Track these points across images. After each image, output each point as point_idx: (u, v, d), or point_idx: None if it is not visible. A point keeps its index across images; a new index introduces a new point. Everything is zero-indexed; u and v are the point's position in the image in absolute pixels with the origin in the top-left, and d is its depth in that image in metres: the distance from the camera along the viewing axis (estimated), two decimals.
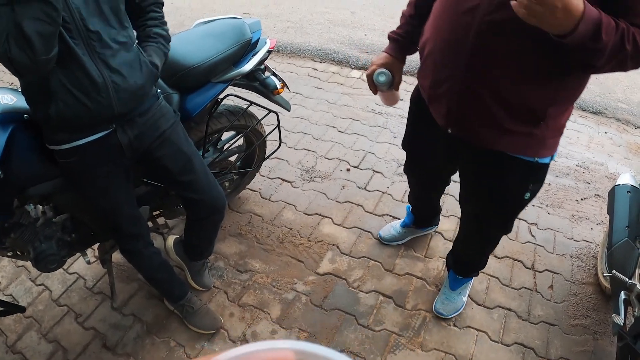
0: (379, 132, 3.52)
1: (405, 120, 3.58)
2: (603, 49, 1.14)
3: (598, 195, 3.05)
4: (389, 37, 1.82)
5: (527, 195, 1.63)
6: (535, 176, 1.61)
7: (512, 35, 1.27)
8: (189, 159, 1.84)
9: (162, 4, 1.76)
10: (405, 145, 2.08)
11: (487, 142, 1.51)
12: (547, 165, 1.59)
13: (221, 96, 2.28)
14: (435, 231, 2.71)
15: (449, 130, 1.58)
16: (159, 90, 1.83)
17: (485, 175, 1.66)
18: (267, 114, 2.54)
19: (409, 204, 2.54)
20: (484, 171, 1.66)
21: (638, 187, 2.35)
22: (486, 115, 1.43)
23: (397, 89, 1.85)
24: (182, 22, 5.83)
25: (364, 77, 4.40)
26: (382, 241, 2.63)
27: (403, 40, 1.78)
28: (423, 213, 2.53)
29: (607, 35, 1.12)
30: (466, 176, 1.81)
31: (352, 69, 4.54)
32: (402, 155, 3.32)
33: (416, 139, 1.99)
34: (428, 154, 1.95)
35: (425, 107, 1.68)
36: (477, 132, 1.51)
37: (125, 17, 1.55)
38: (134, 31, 1.65)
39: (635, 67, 1.25)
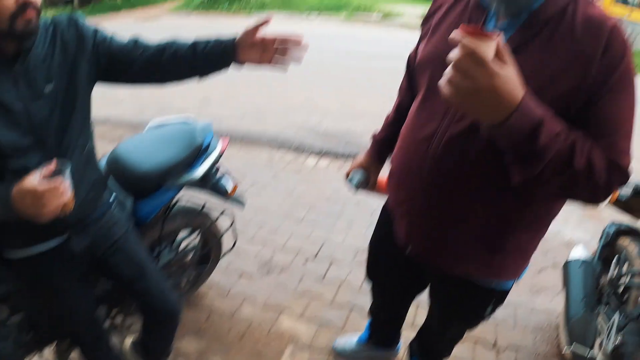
0: (335, 220, 3.58)
1: (361, 208, 3.71)
2: (541, 156, 1.01)
3: (556, 264, 3.13)
4: (371, 138, 1.84)
5: (489, 310, 1.60)
6: (496, 300, 1.56)
7: (467, 164, 1.24)
8: (142, 268, 1.83)
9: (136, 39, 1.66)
10: (371, 251, 1.98)
11: (444, 267, 1.47)
12: (509, 289, 1.53)
13: (175, 198, 2.30)
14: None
15: (407, 251, 1.55)
16: (113, 194, 1.84)
17: (446, 296, 1.64)
18: (221, 213, 2.57)
19: (370, 317, 2.38)
20: (444, 292, 1.64)
21: (589, 259, 2.45)
22: (443, 241, 1.39)
23: (372, 189, 1.87)
24: (143, 108, 5.94)
25: (320, 164, 4.52)
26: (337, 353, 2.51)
27: (381, 144, 1.80)
28: (385, 328, 2.36)
29: (548, 138, 0.99)
30: (430, 290, 1.78)
31: (309, 156, 4.66)
32: (360, 242, 3.41)
33: (380, 250, 1.93)
34: (392, 270, 1.87)
35: (391, 220, 1.66)
36: (434, 257, 1.46)
37: (89, 116, 1.57)
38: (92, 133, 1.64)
39: (593, 200, 1.12)
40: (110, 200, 1.78)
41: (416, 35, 1.52)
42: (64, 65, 1.45)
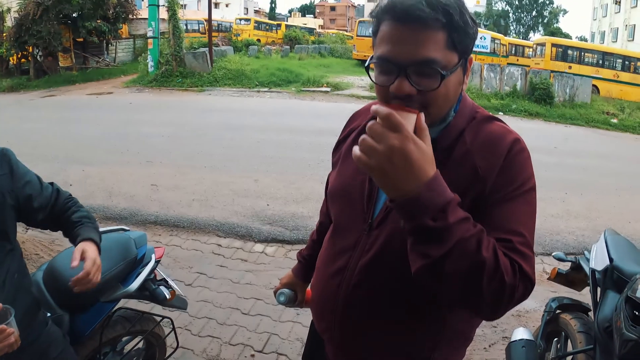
0: (282, 311, 3.61)
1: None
2: (446, 237, 0.95)
3: (506, 337, 3.19)
4: (297, 257, 1.85)
5: None
6: None
7: (379, 292, 1.25)
8: None
9: (73, 198, 1.88)
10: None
11: None
12: None
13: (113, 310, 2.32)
14: None
15: None
16: (48, 314, 1.84)
17: None
18: (161, 320, 2.59)
19: None
20: None
21: (531, 338, 2.50)
22: None
23: (301, 305, 1.88)
24: (92, 193, 5.90)
25: (267, 250, 4.59)
26: None
27: (306, 263, 1.79)
28: None
29: (456, 221, 0.95)
30: None
31: (256, 242, 4.73)
32: (306, 333, 3.42)
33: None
34: None
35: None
36: None
37: (13, 235, 1.62)
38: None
39: (496, 305, 1.03)
40: (45, 319, 1.80)
41: (362, 105, 1.53)
42: None
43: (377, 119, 0.93)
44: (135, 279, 2.28)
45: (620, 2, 43.89)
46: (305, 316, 3.52)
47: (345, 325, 1.35)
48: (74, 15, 20.81)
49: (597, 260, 2.44)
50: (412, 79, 1.06)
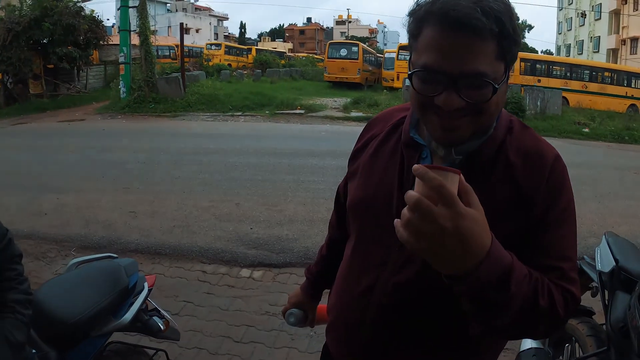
0: (276, 337, 3.51)
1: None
2: (508, 305, 0.93)
3: (507, 349, 3.15)
4: (305, 274, 1.73)
5: None
6: None
7: (417, 315, 1.16)
8: None
9: (21, 256, 1.72)
10: None
11: None
12: None
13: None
14: None
15: None
16: (33, 351, 1.74)
17: None
18: (155, 353, 2.48)
19: None
20: None
21: (540, 346, 2.49)
22: None
23: (312, 325, 1.76)
24: (67, 222, 5.73)
25: (254, 275, 4.49)
26: None
27: (315, 280, 1.68)
28: None
29: (517, 285, 0.92)
30: None
31: (242, 267, 4.62)
32: (303, 358, 3.34)
33: None
34: None
35: None
36: None
37: None
38: None
39: (546, 334, 1.09)
40: (30, 357, 1.69)
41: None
42: None
43: (416, 184, 0.85)
44: (129, 310, 2.17)
45: (584, 14, 45.52)
46: (300, 341, 3.43)
47: (372, 351, 1.24)
48: (44, 41, 20.62)
49: (603, 262, 2.44)
50: (462, 92, 1.00)
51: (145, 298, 2.29)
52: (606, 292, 2.38)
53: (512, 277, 0.91)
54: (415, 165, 0.86)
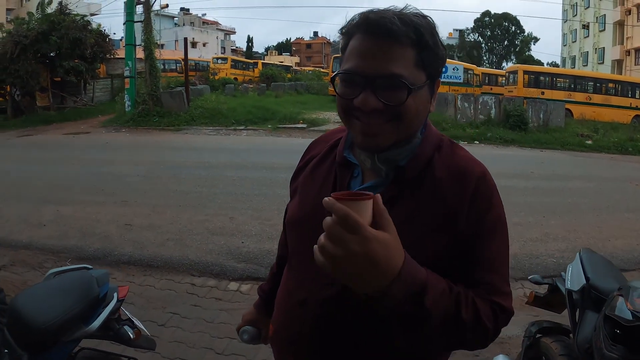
0: (257, 350, 3.57)
1: None
2: (428, 318, 0.99)
3: None
4: (257, 292, 1.75)
5: None
6: None
7: (345, 328, 1.18)
8: None
9: None
10: None
11: None
12: None
13: (76, 350, 2.30)
14: None
15: None
16: (5, 351, 1.84)
17: None
18: None
19: None
20: None
21: None
22: None
23: (266, 342, 1.74)
24: (65, 233, 5.88)
25: (242, 289, 4.59)
26: None
27: (267, 297, 1.68)
28: None
29: (433, 300, 0.98)
30: None
31: (230, 280, 4.72)
32: None
33: None
34: None
35: None
36: None
37: None
38: None
39: (480, 345, 1.13)
40: (3, 355, 1.79)
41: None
42: None
43: (333, 215, 0.88)
44: (97, 319, 2.28)
45: (588, 26, 45.42)
46: None
47: (312, 358, 1.27)
48: (51, 54, 20.95)
49: (573, 280, 2.44)
50: (379, 93, 1.06)
51: (116, 308, 2.39)
52: (577, 311, 2.36)
53: (426, 293, 0.96)
54: (325, 199, 0.90)
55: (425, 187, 1.15)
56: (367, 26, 1.08)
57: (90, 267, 2.48)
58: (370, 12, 1.10)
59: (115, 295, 2.42)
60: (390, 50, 1.06)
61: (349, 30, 1.13)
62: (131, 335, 2.39)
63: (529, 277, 3.02)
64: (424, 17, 1.11)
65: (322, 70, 52.83)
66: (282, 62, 58.08)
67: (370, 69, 1.07)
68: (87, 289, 2.28)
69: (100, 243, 5.64)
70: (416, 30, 1.06)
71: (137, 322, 2.49)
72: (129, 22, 20.00)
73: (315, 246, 0.92)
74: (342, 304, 1.17)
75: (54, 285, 2.33)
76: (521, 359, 2.68)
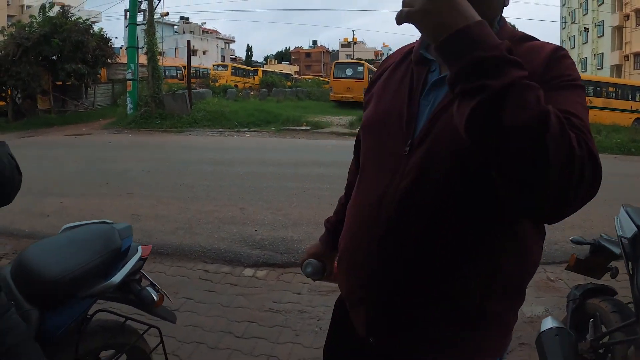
0: (279, 332, 3.37)
1: (305, 316, 3.54)
2: (502, 70, 0.84)
3: (523, 343, 3.07)
4: (324, 224, 1.71)
5: None
6: None
7: (426, 220, 1.12)
8: None
9: None
10: (327, 357, 1.65)
11: (412, 353, 1.25)
12: None
13: (92, 311, 2.07)
14: None
15: (370, 340, 1.30)
16: (12, 302, 1.62)
17: None
18: (147, 329, 2.33)
19: None
20: None
21: (562, 326, 2.40)
22: (413, 324, 1.20)
23: (329, 279, 1.70)
24: (69, 222, 5.56)
25: (258, 274, 4.36)
26: None
27: (334, 229, 1.63)
28: None
29: (517, 77, 0.83)
30: None
31: (245, 267, 4.51)
32: (308, 353, 3.20)
33: (337, 353, 1.60)
34: None
35: (347, 312, 1.41)
36: (405, 346, 1.25)
37: None
38: None
39: (563, 194, 0.86)
40: (6, 304, 1.58)
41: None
42: None
43: None
44: (118, 272, 2.03)
45: (587, 30, 45.72)
46: (305, 336, 3.29)
47: (386, 267, 1.18)
48: (53, 57, 20.84)
49: (624, 229, 2.42)
50: None
51: (138, 266, 2.15)
52: (629, 264, 2.32)
53: (503, 48, 0.86)
54: None
55: None
56: None
57: (110, 221, 2.23)
58: None
59: (138, 250, 2.18)
60: None
61: None
62: (155, 298, 2.13)
63: (570, 238, 2.90)
64: None
65: (321, 78, 53.02)
66: (281, 70, 58.20)
67: None
68: (107, 240, 2.04)
69: None
70: None
71: (159, 287, 2.25)
72: (132, 24, 20.00)
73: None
74: (419, 196, 1.12)
75: (70, 237, 2.09)
76: (569, 322, 2.61)
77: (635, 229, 2.31)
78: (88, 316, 2.05)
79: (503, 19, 1.22)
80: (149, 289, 2.15)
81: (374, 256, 1.20)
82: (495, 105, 0.82)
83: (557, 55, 1.09)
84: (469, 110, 0.85)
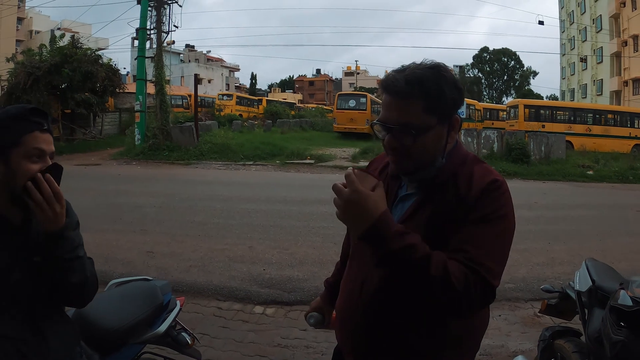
0: None
1: (311, 351, 3.93)
2: (399, 258, 1.30)
3: None
4: (324, 284, 2.10)
5: None
6: None
7: (389, 303, 1.50)
8: None
9: None
10: None
11: None
12: None
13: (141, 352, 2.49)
14: None
15: None
16: (79, 349, 2.02)
17: None
18: None
19: None
20: None
21: None
22: None
23: (328, 327, 2.09)
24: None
25: (267, 312, 4.76)
26: None
27: (331, 289, 2.03)
28: None
29: (400, 245, 1.29)
30: None
31: (255, 304, 4.90)
32: None
33: None
34: None
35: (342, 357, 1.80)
36: None
37: None
38: None
39: (456, 309, 1.33)
40: (81, 352, 1.97)
41: None
42: None
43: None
44: (162, 323, 2.48)
45: (586, 59, 45.89)
46: None
47: (364, 329, 1.58)
48: (63, 86, 21.29)
49: (581, 283, 2.76)
50: (396, 137, 1.44)
51: (177, 315, 2.60)
52: (586, 311, 2.66)
53: (400, 238, 1.30)
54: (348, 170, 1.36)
55: (449, 192, 1.47)
56: (384, 87, 1.46)
57: (150, 278, 2.68)
58: (387, 75, 1.48)
59: (177, 303, 2.63)
60: (399, 104, 1.43)
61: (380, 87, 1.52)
62: (188, 341, 2.58)
63: (541, 287, 3.29)
64: (432, 67, 1.45)
65: (325, 107, 53.52)
66: (285, 99, 58.89)
67: (388, 120, 1.45)
68: (152, 296, 2.48)
69: (124, 268, 5.79)
70: (420, 84, 1.40)
71: (190, 332, 2.68)
72: (141, 57, 20.51)
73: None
74: (386, 289, 1.50)
75: (120, 294, 2.53)
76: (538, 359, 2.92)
77: (590, 282, 2.65)
78: (137, 357, 2.48)
79: (458, 143, 1.57)
80: (184, 333, 2.60)
81: (356, 321, 1.61)
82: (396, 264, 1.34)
83: (491, 187, 1.44)
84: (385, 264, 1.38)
